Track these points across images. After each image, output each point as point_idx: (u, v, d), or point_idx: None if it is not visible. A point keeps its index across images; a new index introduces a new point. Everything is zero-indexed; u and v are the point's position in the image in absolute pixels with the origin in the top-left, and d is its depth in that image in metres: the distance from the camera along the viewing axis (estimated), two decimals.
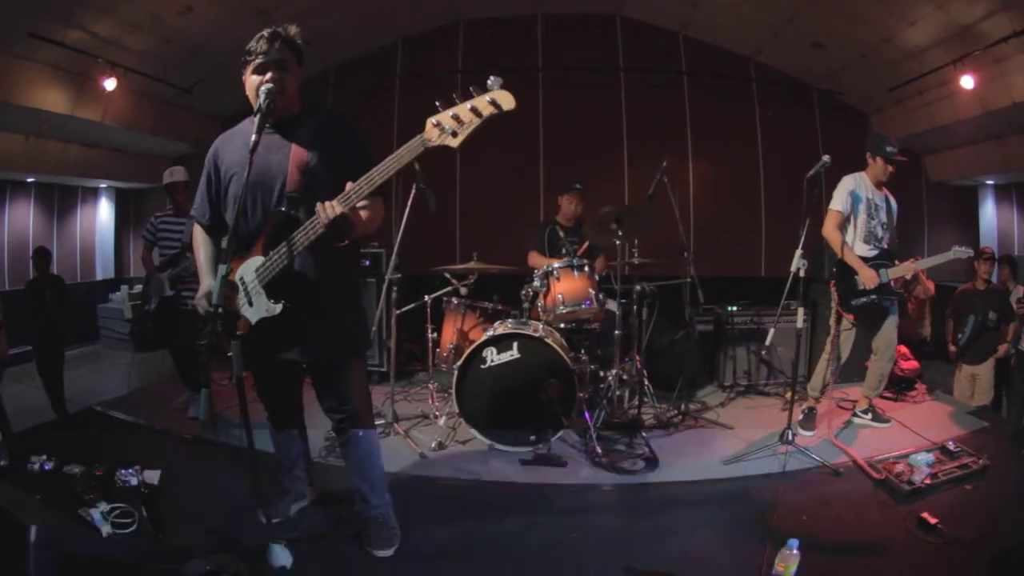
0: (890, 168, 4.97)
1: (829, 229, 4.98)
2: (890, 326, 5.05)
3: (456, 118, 2.46)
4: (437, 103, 2.50)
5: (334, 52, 8.86)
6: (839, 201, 4.95)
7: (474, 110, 2.45)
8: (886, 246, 5.01)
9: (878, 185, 5.07)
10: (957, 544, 3.26)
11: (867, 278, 4.87)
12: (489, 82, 2.44)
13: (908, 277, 5.15)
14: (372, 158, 2.67)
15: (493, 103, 2.43)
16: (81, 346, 9.58)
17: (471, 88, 2.46)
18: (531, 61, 8.99)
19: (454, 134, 2.48)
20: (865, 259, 4.94)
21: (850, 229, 5.04)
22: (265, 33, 2.82)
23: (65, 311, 6.72)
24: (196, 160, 6.47)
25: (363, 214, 2.78)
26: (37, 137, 7.44)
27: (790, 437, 4.54)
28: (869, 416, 5.20)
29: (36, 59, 6.01)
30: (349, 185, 2.62)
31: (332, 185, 2.71)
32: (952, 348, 6.65)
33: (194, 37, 6.93)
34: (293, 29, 2.90)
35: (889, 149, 4.97)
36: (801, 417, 5.07)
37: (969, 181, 9.17)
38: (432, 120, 2.50)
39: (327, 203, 2.60)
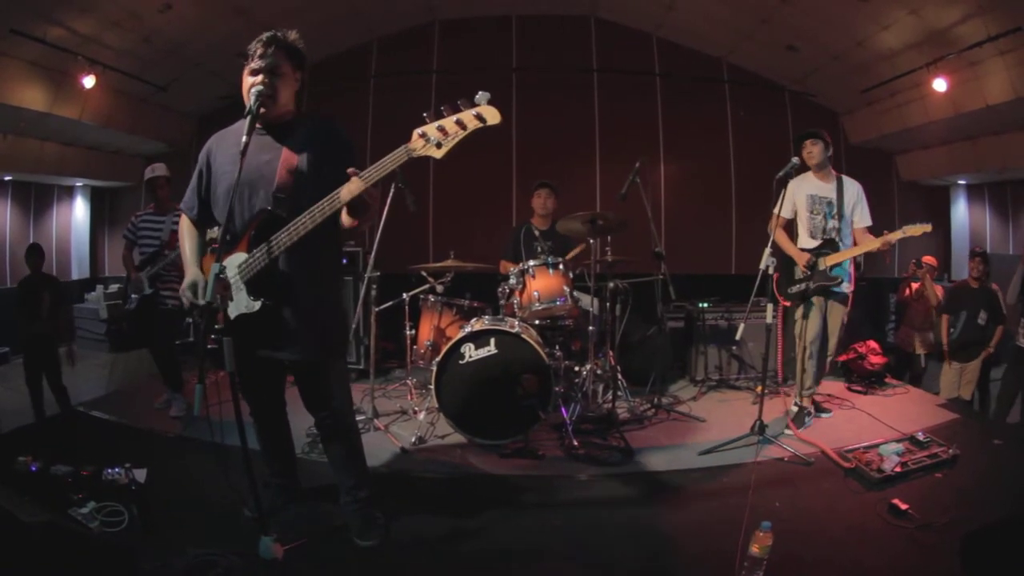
0: (810, 147, 5.16)
1: (770, 227, 5.15)
2: (830, 318, 5.18)
3: (441, 129, 2.55)
4: (424, 115, 2.58)
5: (309, 51, 8.74)
6: (778, 204, 5.07)
7: (459, 123, 2.53)
8: (833, 236, 5.14)
9: (825, 175, 5.24)
10: (928, 528, 3.36)
11: (800, 259, 5.14)
12: (477, 96, 2.53)
13: (876, 249, 5.14)
14: (360, 166, 2.76)
15: (478, 117, 2.52)
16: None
17: (459, 101, 2.54)
18: (505, 62, 9.01)
19: (438, 145, 2.57)
20: (806, 250, 5.18)
21: (799, 226, 5.34)
22: (264, 37, 2.90)
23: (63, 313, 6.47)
24: (170, 159, 6.55)
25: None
26: (15, 135, 7.39)
27: (761, 428, 4.65)
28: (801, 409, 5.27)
29: (15, 56, 5.98)
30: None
31: (319, 189, 2.78)
32: (944, 342, 6.75)
33: (173, 35, 6.92)
34: (292, 35, 2.99)
35: (799, 136, 5.29)
36: (794, 415, 5.15)
37: (941, 181, 9.31)
38: (418, 131, 2.59)
39: (346, 185, 2.67)
